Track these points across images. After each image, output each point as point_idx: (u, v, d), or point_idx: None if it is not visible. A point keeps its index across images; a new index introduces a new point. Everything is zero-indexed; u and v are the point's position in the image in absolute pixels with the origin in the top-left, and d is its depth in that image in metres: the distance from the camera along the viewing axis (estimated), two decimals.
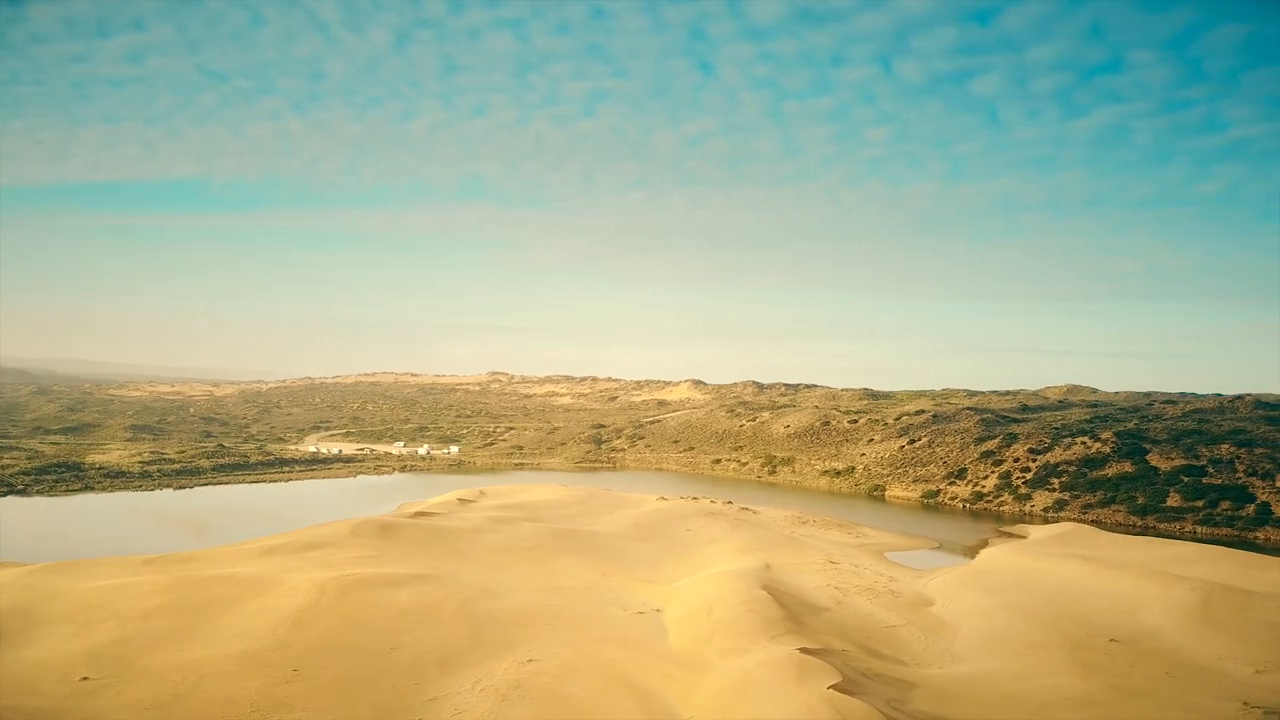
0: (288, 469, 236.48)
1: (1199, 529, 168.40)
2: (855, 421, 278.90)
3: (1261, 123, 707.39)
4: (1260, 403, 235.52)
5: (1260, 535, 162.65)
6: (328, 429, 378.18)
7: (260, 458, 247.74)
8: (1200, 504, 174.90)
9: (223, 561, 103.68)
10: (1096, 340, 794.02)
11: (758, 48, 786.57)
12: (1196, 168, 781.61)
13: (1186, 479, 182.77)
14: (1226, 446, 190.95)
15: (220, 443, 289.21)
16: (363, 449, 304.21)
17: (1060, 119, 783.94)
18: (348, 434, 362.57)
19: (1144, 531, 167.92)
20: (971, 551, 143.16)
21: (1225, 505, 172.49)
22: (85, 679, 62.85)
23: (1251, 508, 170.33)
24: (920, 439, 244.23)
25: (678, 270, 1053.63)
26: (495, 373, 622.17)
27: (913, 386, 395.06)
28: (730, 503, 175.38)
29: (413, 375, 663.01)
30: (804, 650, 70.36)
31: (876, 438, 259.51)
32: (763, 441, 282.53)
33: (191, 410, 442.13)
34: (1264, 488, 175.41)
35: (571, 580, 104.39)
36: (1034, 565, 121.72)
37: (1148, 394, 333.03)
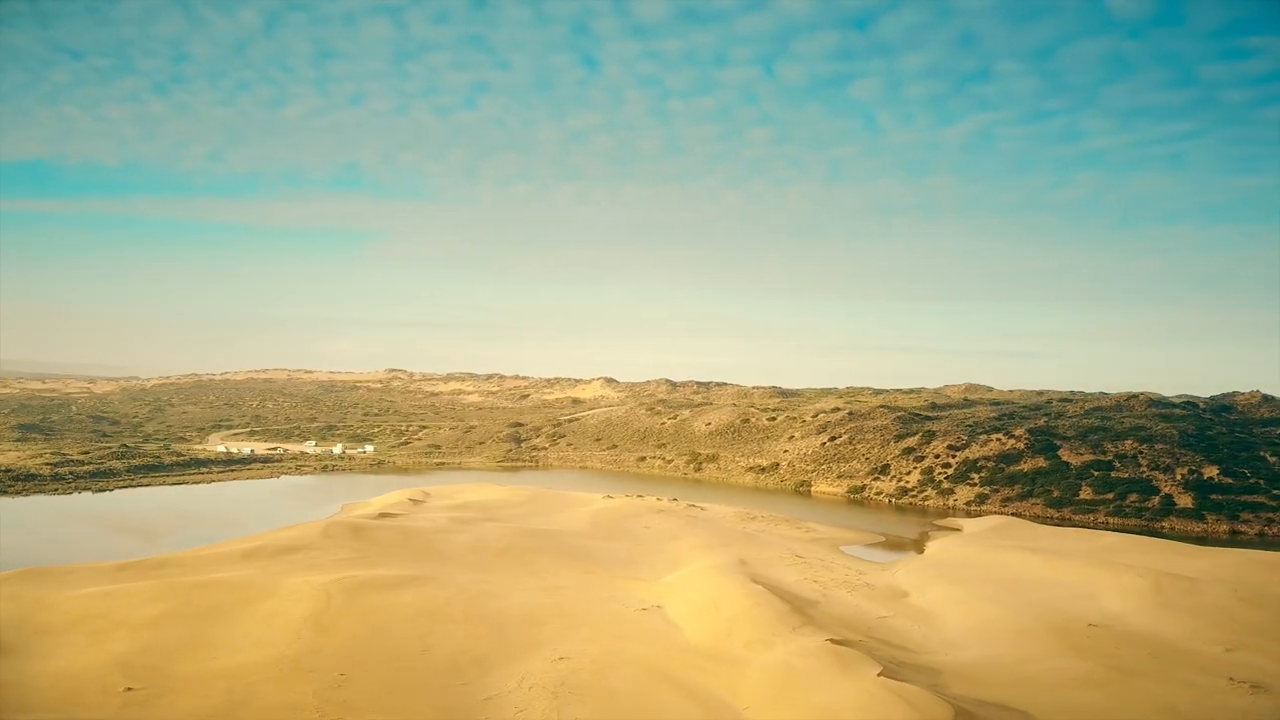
0: (205, 470, 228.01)
1: (1111, 520, 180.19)
2: (774, 419, 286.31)
3: (1117, 134, 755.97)
4: (1153, 401, 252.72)
5: (1166, 525, 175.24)
6: (230, 428, 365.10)
7: (172, 459, 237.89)
8: (1111, 496, 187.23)
9: (202, 566, 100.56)
10: (968, 339, 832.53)
11: (642, 45, 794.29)
12: (1057, 175, 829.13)
13: (1097, 473, 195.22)
14: (1130, 442, 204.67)
15: (123, 443, 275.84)
16: (275, 449, 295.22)
17: (933, 125, 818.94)
18: (252, 433, 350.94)
19: (1061, 523, 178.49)
20: (917, 544, 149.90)
21: (1133, 498, 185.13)
22: (129, 689, 60.97)
23: (1157, 499, 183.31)
24: (841, 436, 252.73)
25: (566, 266, 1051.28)
26: (394, 370, 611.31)
27: (810, 384, 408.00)
28: (676, 500, 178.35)
29: (306, 372, 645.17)
30: (832, 641, 73.58)
31: (797, 435, 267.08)
32: (685, 439, 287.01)
33: (74, 408, 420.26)
34: (1166, 480, 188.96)
35: (560, 579, 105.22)
36: (985, 557, 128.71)
37: (1040, 392, 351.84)
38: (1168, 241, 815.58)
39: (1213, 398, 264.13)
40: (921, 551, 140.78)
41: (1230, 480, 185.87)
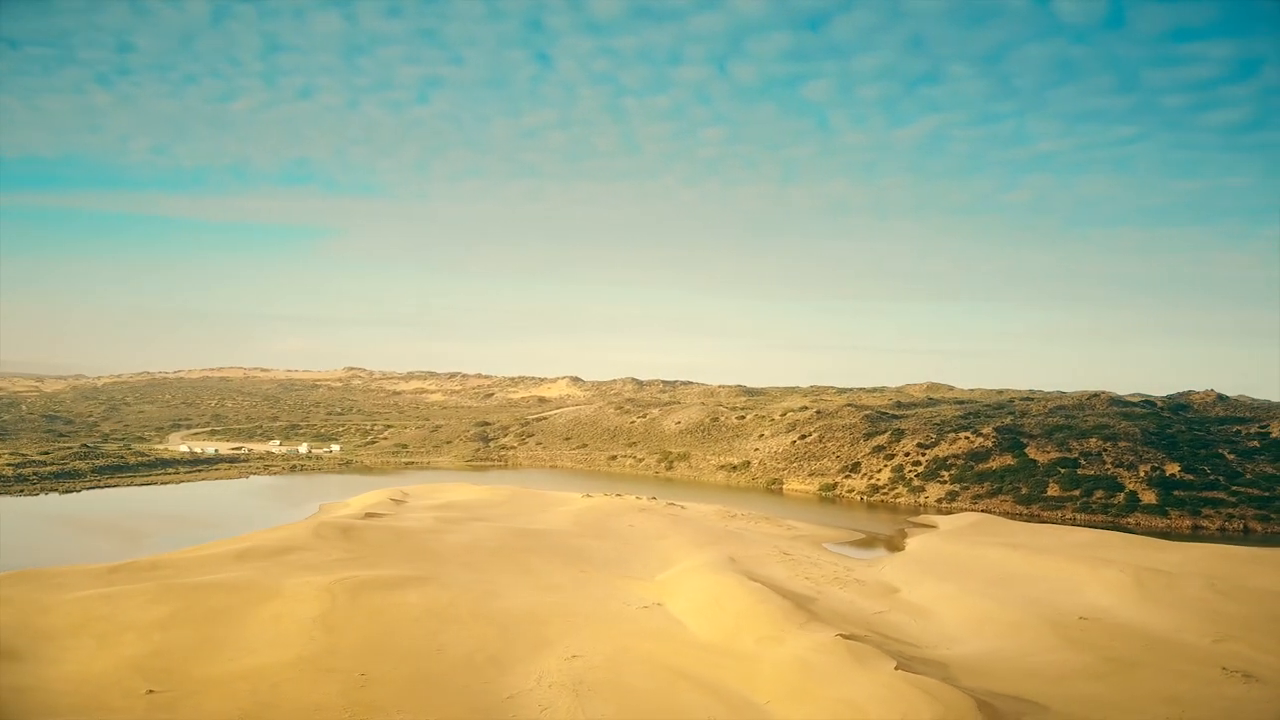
0: (172, 470, 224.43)
1: (1078, 516, 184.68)
2: (743, 418, 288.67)
3: (1064, 138, 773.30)
4: (1114, 400, 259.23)
5: (1131, 521, 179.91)
6: (190, 427, 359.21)
7: (137, 459, 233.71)
8: (1077, 493, 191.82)
9: (196, 568, 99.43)
10: (924, 338, 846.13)
11: (597, 42, 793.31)
12: (1007, 177, 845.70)
13: (1063, 470, 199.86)
14: (1094, 440, 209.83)
15: (83, 443, 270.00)
16: (239, 449, 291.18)
17: (885, 126, 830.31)
18: (213, 433, 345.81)
19: (1030, 519, 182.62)
20: (896, 541, 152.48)
21: (1099, 494, 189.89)
22: (151, 692, 60.43)
23: (1122, 496, 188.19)
24: (811, 434, 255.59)
25: (522, 264, 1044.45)
26: (353, 368, 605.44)
27: (773, 383, 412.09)
28: (655, 498, 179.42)
29: (263, 370, 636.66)
30: (843, 636, 75.03)
31: (767, 433, 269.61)
32: (655, 438, 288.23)
33: (24, 408, 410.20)
34: (1130, 477, 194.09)
35: (557, 579, 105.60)
36: (967, 553, 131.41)
37: (1001, 390, 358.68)
38: (1111, 243, 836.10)
39: (1169, 397, 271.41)
40: (903, 548, 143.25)
41: (1191, 477, 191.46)
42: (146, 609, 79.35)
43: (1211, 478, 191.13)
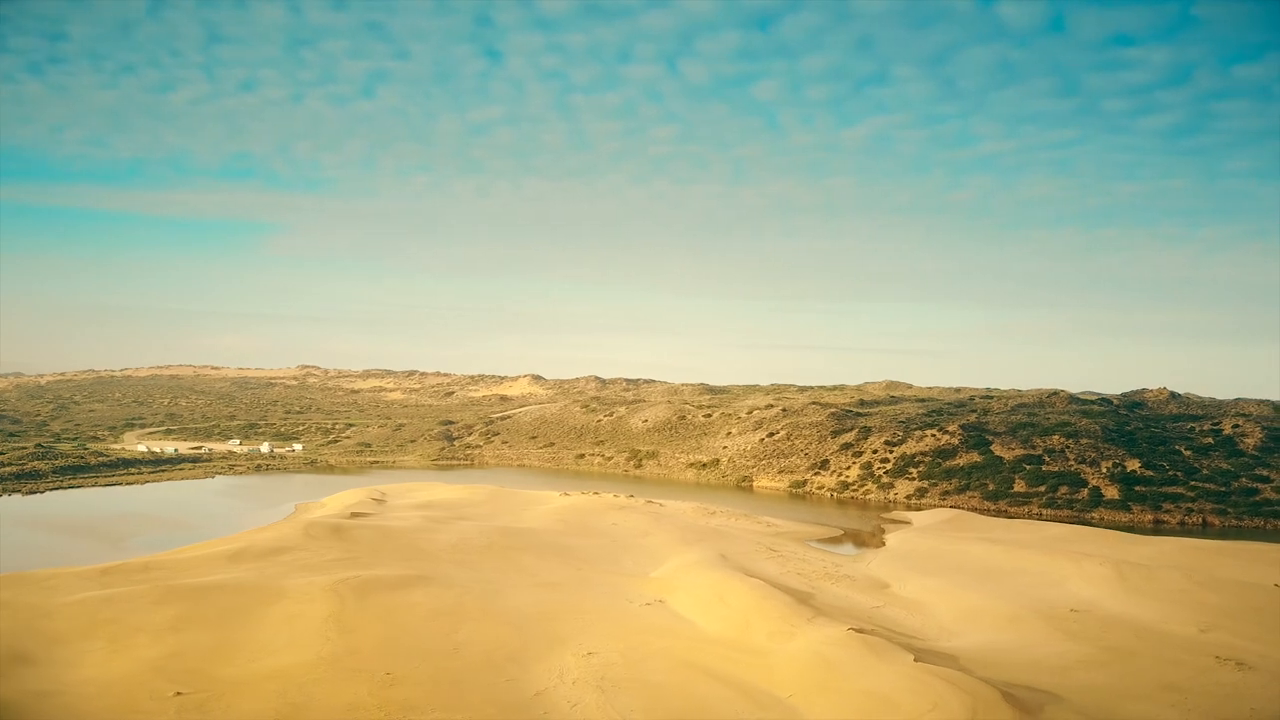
0: (136, 470, 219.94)
1: (1045, 511, 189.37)
2: (710, 416, 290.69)
3: (1006, 139, 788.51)
4: (1073, 398, 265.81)
5: (1096, 516, 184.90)
6: (144, 426, 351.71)
7: (98, 459, 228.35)
8: (1043, 489, 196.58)
9: (191, 569, 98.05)
10: (878, 337, 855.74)
11: (546, 38, 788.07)
12: (951, 178, 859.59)
13: (1029, 467, 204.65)
14: (1057, 437, 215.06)
15: (38, 443, 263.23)
16: (199, 448, 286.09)
17: (834, 126, 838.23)
18: (169, 432, 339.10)
19: (998, 514, 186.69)
20: (875, 537, 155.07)
21: (1064, 490, 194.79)
22: (179, 694, 59.79)
23: (1085, 492, 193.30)
24: (778, 432, 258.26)
25: (474, 261, 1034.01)
26: (307, 366, 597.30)
27: (733, 381, 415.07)
28: (633, 496, 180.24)
29: (214, 368, 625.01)
30: (854, 630, 76.56)
31: (734, 431, 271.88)
32: (623, 436, 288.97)
33: None
34: (1093, 473, 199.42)
35: (553, 576, 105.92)
36: (948, 548, 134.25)
37: (958, 389, 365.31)
38: (1054, 244, 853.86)
39: (1124, 394, 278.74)
40: (883, 544, 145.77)
41: (1151, 473, 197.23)
42: (152, 611, 78.25)
43: (1170, 473, 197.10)
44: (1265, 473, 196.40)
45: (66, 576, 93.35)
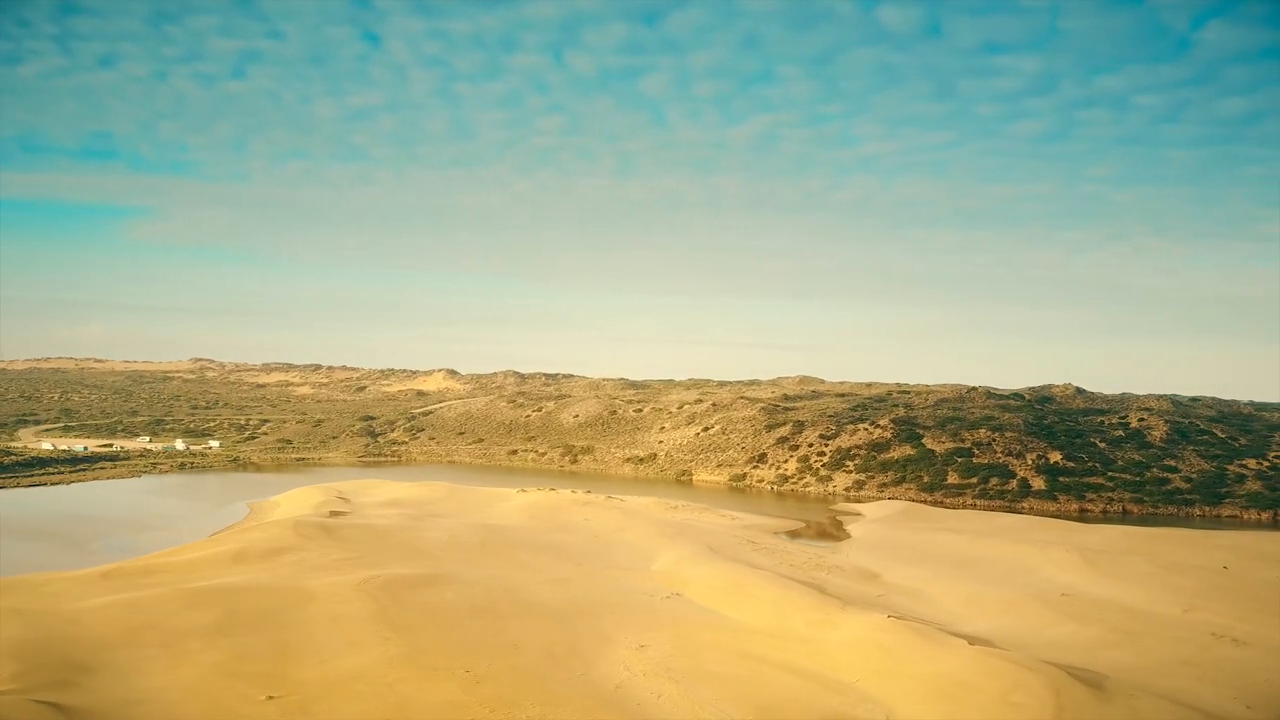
0: (55, 470, 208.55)
1: (978, 502, 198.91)
2: (640, 410, 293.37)
3: (886, 141, 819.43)
4: (990, 393, 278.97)
5: (1025, 505, 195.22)
6: (39, 423, 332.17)
7: (10, 459, 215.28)
8: (975, 480, 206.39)
9: (194, 571, 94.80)
10: (769, 333, 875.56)
11: (427, 23, 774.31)
12: (834, 178, 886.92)
13: (960, 460, 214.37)
14: (984, 431, 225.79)
15: None
16: (109, 445, 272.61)
17: (720, 124, 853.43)
18: (67, 429, 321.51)
19: (935, 505, 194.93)
20: (838, 529, 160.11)
21: (995, 481, 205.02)
22: (271, 698, 58.61)
23: (1014, 483, 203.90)
24: (713, 427, 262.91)
25: (362, 251, 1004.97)
26: (201, 360, 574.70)
27: (646, 376, 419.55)
28: (591, 492, 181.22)
29: (98, 360, 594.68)
30: (894, 617, 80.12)
31: (667, 425, 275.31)
32: (555, 431, 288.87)
33: None
34: (1020, 465, 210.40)
35: (559, 573, 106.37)
36: (915, 539, 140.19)
37: (869, 384, 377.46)
38: (931, 244, 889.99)
39: (1033, 389, 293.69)
40: (848, 535, 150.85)
41: (1073, 464, 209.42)
42: (187, 615, 75.80)
43: (1089, 464, 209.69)
44: (1173, 463, 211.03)
45: (65, 581, 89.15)
